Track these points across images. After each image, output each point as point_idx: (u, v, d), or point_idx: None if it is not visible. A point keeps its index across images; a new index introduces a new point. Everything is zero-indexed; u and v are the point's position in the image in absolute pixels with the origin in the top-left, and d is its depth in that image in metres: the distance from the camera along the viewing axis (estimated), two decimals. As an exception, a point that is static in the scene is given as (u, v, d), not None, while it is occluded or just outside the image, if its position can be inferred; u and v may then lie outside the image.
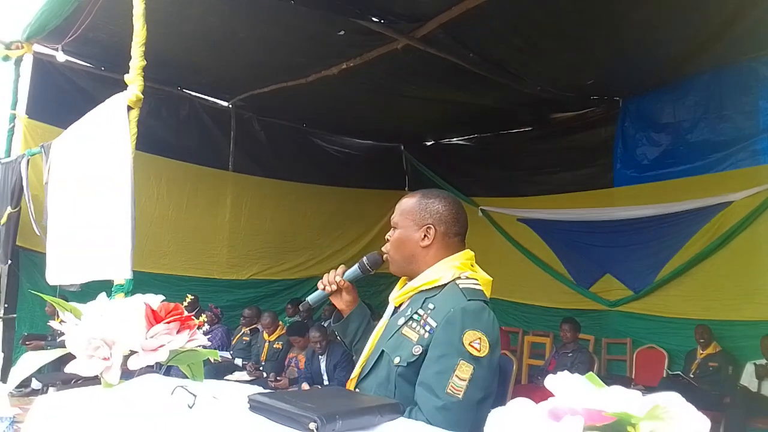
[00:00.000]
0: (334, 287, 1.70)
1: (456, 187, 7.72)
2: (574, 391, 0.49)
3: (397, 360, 1.44)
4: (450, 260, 1.55)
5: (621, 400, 0.45)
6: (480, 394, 1.36)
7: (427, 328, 1.42)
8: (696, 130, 5.66)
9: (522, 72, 5.47)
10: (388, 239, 1.63)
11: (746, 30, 4.41)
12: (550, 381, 0.51)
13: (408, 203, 1.62)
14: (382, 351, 1.50)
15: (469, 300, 1.43)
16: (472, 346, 1.37)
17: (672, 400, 0.45)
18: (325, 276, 1.72)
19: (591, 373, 0.56)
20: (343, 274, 1.71)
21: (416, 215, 1.58)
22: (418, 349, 1.41)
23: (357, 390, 1.54)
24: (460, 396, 1.33)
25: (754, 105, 5.21)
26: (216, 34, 5.00)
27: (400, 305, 1.59)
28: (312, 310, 1.79)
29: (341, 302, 1.74)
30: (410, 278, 1.60)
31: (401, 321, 1.50)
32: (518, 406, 0.50)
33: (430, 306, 1.46)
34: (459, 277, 1.50)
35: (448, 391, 1.33)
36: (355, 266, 1.70)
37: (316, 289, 1.74)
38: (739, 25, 4.35)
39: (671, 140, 5.87)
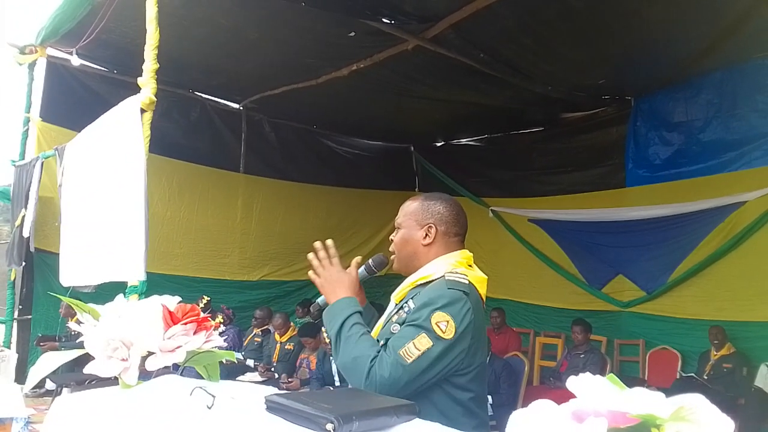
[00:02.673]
0: None
1: (466, 188, 7.72)
2: (596, 392, 0.48)
3: (382, 342, 1.52)
4: (446, 258, 1.64)
5: (645, 401, 0.45)
6: (429, 370, 1.44)
7: (406, 309, 1.53)
8: (709, 129, 5.61)
9: (532, 72, 5.46)
10: (392, 240, 1.72)
11: (759, 28, 4.38)
12: (572, 382, 0.51)
13: (411, 205, 1.71)
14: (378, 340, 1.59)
15: (448, 289, 1.51)
16: (438, 326, 1.45)
17: (696, 402, 0.45)
18: None
19: (612, 374, 0.55)
20: None
21: (419, 216, 1.67)
22: (396, 328, 1.52)
23: None
24: (408, 361, 1.42)
25: (767, 103, 5.16)
26: (227, 36, 5.02)
27: (401, 301, 1.66)
28: (322, 312, 1.80)
29: None
30: (408, 275, 1.69)
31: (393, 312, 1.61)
32: (541, 407, 0.50)
33: (416, 296, 1.56)
34: (450, 272, 1.59)
35: (400, 353, 1.42)
36: (362, 268, 1.75)
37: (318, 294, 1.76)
38: (751, 23, 4.32)
39: (684, 139, 5.82)
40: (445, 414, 1.45)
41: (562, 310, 6.73)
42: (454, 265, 1.61)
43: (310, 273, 1.69)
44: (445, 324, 1.45)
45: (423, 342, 1.43)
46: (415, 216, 1.67)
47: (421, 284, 1.60)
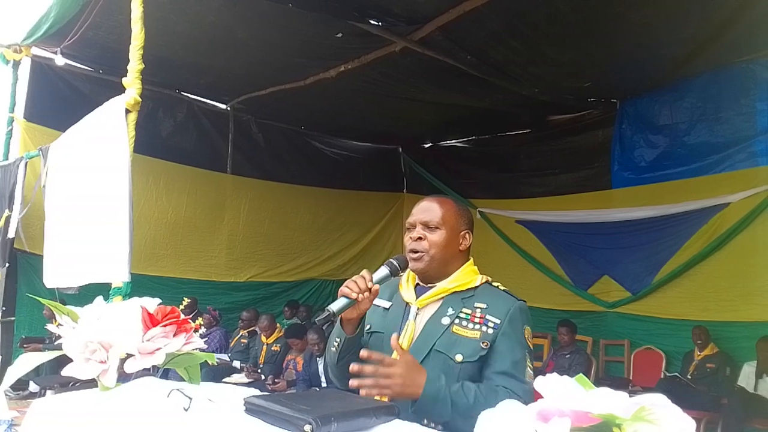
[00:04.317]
0: (367, 294, 1.49)
1: (454, 189, 7.73)
2: (562, 392, 0.49)
3: (459, 357, 1.50)
4: (470, 265, 1.66)
5: (608, 401, 0.46)
6: None
7: (491, 324, 1.52)
8: (693, 131, 5.67)
9: (520, 74, 5.48)
10: (421, 237, 1.61)
11: (743, 31, 4.43)
12: (540, 383, 0.51)
13: (450, 207, 1.65)
14: (432, 351, 1.52)
15: (519, 300, 1.59)
16: (528, 341, 1.55)
17: (657, 402, 0.45)
18: (352, 283, 1.48)
19: (581, 374, 0.56)
20: (371, 279, 1.52)
21: (458, 220, 1.64)
22: (486, 344, 1.51)
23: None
24: (533, 382, 1.42)
25: (751, 107, 5.22)
26: (214, 36, 5.00)
27: (424, 306, 1.60)
28: (332, 320, 1.53)
29: (357, 310, 1.52)
30: (431, 280, 1.62)
31: (446, 321, 1.55)
32: (508, 407, 0.51)
33: (480, 305, 1.55)
34: (487, 281, 1.64)
35: (527, 378, 1.49)
36: (384, 269, 1.57)
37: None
38: (735, 27, 4.37)
39: (669, 142, 5.88)
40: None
41: (548, 311, 6.76)
42: (477, 273, 1.65)
43: (376, 392, 1.39)
44: (530, 336, 1.57)
45: (529, 360, 1.53)
46: (455, 219, 1.63)
47: (458, 291, 1.58)
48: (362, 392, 1.38)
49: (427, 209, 1.64)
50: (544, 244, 6.95)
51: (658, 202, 5.84)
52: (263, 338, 6.19)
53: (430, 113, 6.87)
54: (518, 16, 4.46)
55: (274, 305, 7.37)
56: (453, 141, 8.30)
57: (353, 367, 1.39)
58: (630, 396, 0.52)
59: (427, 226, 1.62)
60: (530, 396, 1.44)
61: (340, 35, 4.85)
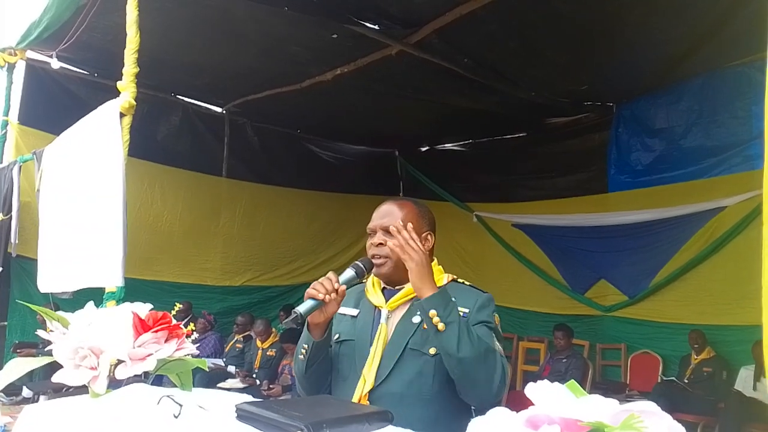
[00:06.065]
0: (334, 295, 1.50)
1: (450, 193, 7.74)
2: (553, 399, 0.49)
3: (433, 350, 1.51)
4: (435, 266, 1.66)
5: (597, 409, 0.45)
6: None
7: (459, 314, 1.50)
8: (689, 135, 5.69)
9: (517, 76, 5.50)
10: (382, 243, 1.60)
11: (737, 33, 4.43)
12: (531, 389, 0.51)
13: (410, 210, 1.65)
14: (406, 349, 1.54)
15: (485, 293, 1.64)
16: (498, 326, 1.61)
17: (647, 409, 0.45)
18: (319, 285, 1.51)
19: (572, 381, 0.56)
20: (338, 280, 1.54)
21: (419, 222, 1.63)
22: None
23: (369, 401, 1.51)
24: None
25: (746, 110, 5.23)
26: (210, 39, 5.00)
27: (394, 309, 1.61)
28: (301, 322, 1.54)
29: (324, 314, 1.54)
30: (398, 282, 1.63)
31: (417, 319, 1.56)
32: (497, 414, 0.50)
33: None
34: (454, 279, 1.66)
35: (496, 349, 1.52)
36: (350, 271, 1.58)
37: (302, 299, 1.55)
38: (729, 28, 4.36)
39: (665, 145, 5.90)
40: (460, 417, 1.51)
41: (545, 315, 6.77)
42: (442, 272, 1.66)
43: (393, 245, 1.50)
44: (498, 323, 1.62)
45: (496, 338, 1.56)
46: (416, 222, 1.61)
47: None
48: (391, 243, 1.51)
49: (387, 213, 1.63)
50: (541, 248, 6.94)
51: (655, 206, 5.85)
52: (258, 343, 6.17)
53: (427, 116, 6.88)
54: (515, 18, 4.46)
55: (269, 309, 7.35)
56: (449, 144, 8.30)
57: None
58: (626, 400, 0.51)
59: (387, 231, 1.59)
60: (505, 366, 1.50)
61: (335, 36, 4.84)
